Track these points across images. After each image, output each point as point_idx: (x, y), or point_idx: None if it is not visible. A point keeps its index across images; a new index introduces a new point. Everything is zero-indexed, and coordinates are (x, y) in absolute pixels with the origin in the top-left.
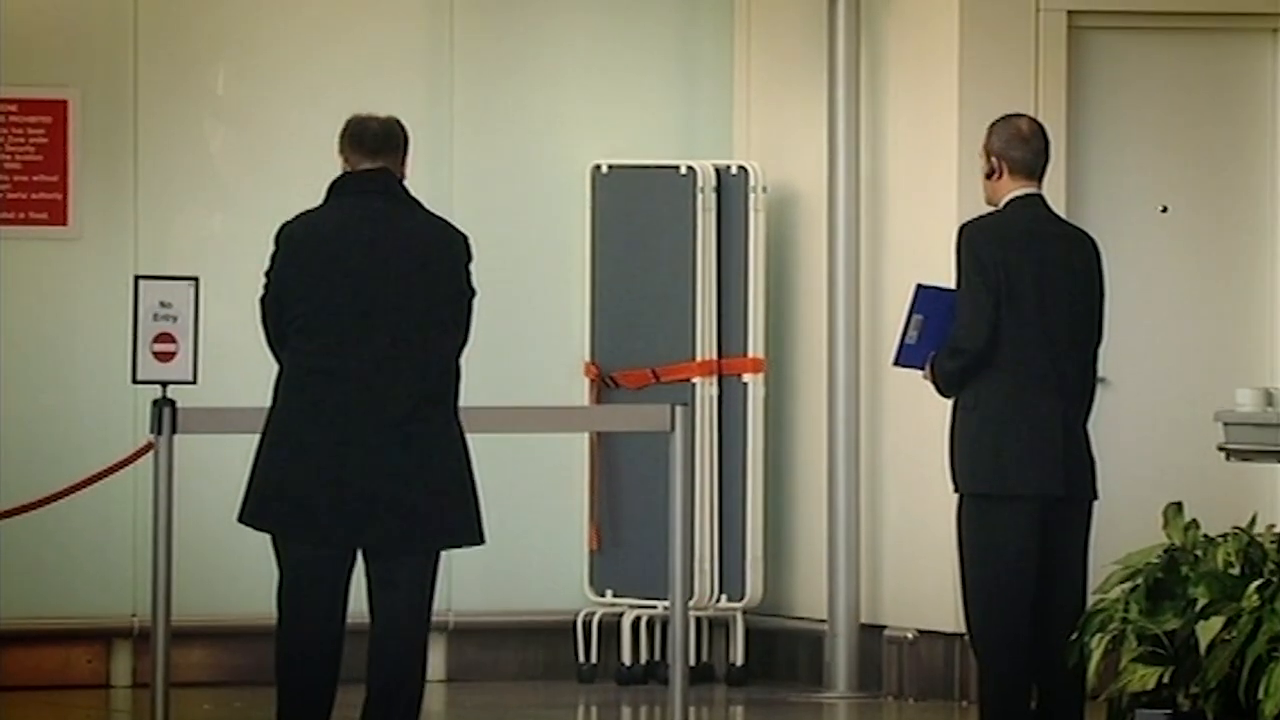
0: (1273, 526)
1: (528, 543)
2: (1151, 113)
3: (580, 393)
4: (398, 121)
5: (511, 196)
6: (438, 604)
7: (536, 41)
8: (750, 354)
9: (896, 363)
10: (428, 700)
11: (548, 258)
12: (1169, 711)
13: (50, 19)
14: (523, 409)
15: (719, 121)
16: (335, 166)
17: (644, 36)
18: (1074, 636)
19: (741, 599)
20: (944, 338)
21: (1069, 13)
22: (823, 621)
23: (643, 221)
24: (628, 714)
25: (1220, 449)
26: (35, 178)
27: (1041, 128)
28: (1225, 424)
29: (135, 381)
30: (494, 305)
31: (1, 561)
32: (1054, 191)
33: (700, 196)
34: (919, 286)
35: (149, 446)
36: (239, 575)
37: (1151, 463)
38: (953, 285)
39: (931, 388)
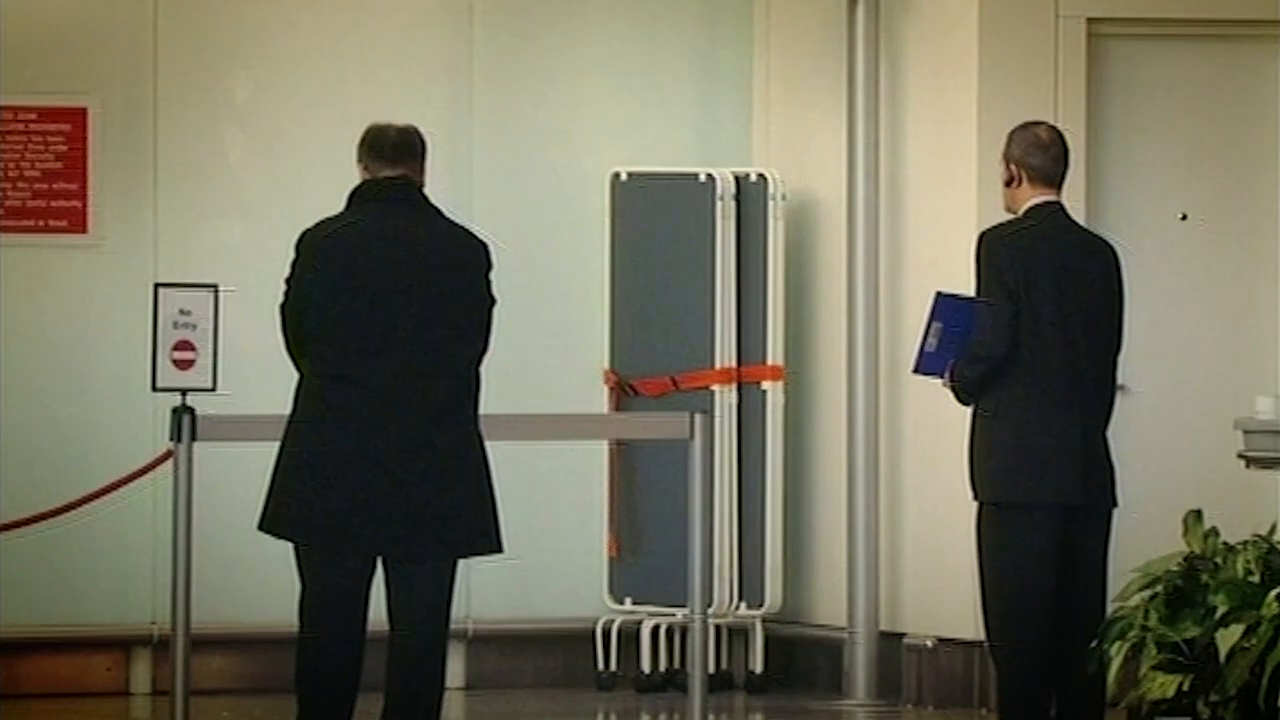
0: None
1: (547, 550)
2: (1171, 120)
3: (599, 400)
4: (416, 129)
5: (531, 204)
6: (457, 612)
7: (556, 49)
8: (769, 361)
9: (916, 370)
10: (446, 708)
11: (567, 265)
12: (1189, 719)
13: (70, 27)
14: (542, 417)
15: (738, 129)
16: (355, 174)
17: (664, 43)
18: (1094, 644)
19: (761, 606)
20: (963, 345)
21: (1089, 20)
22: (842, 629)
23: (662, 229)
24: None
25: (1240, 456)
26: (55, 185)
27: (1061, 135)
28: (1245, 431)
29: (155, 389)
30: (514, 313)
31: (21, 569)
32: (1073, 199)
33: (720, 204)
34: (938, 294)
35: (168, 454)
36: (259, 583)
37: (1171, 470)
38: (972, 293)
39: (951, 395)
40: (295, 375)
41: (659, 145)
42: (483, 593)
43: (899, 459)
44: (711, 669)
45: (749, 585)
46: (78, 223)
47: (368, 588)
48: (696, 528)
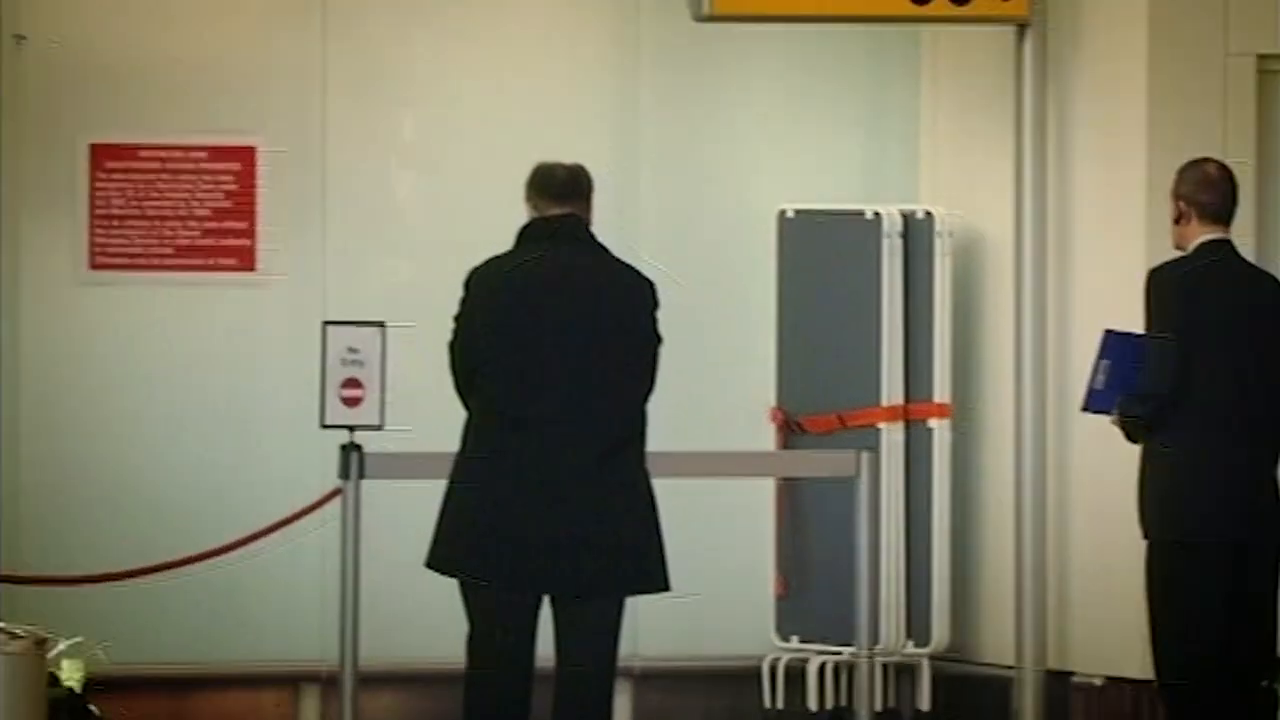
0: None
1: (714, 588)
2: None
3: (766, 438)
4: (583, 168)
5: (699, 242)
6: (623, 649)
7: (724, 87)
8: (936, 399)
9: (1085, 408)
10: None
11: (734, 303)
12: None
13: (239, 65)
14: (709, 454)
15: (905, 166)
16: (522, 213)
17: (831, 81)
18: (1264, 684)
19: (928, 644)
20: (1132, 383)
21: (1259, 56)
22: (1009, 667)
23: (829, 266)
24: None
25: None
26: (224, 224)
27: (1230, 172)
28: None
29: (323, 426)
30: (680, 350)
31: (191, 605)
32: (1243, 236)
33: (886, 241)
34: (1107, 332)
35: (336, 492)
36: (427, 620)
37: None
38: (1141, 331)
39: (1120, 433)
40: (463, 412)
41: (826, 183)
42: (650, 630)
43: (1067, 496)
44: (878, 707)
45: (916, 623)
46: (247, 260)
47: (534, 625)
48: (863, 565)
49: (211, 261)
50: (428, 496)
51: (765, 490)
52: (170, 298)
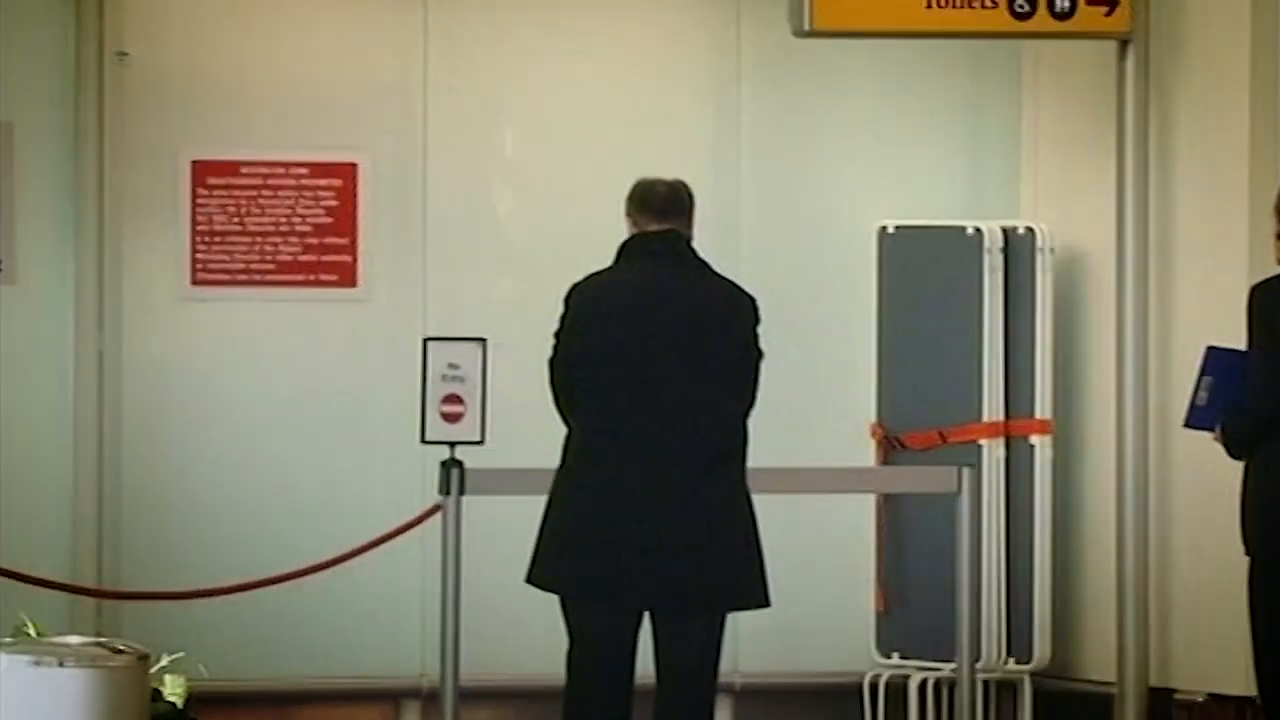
0: None
1: (814, 604)
2: None
3: (866, 454)
4: (684, 184)
5: (799, 258)
6: (724, 665)
7: (824, 103)
8: (1037, 415)
9: (1187, 424)
10: None
11: (835, 319)
12: None
13: (340, 82)
14: (810, 470)
15: (1006, 181)
16: (623, 229)
17: (931, 96)
18: None
19: (1029, 661)
20: (1235, 399)
21: None
22: (1111, 684)
23: (930, 282)
24: None
25: None
26: (326, 240)
27: None
28: None
29: (424, 442)
30: (781, 366)
31: (292, 620)
32: None
33: (987, 258)
34: (1209, 348)
35: (437, 508)
36: (526, 635)
37: None
38: (1243, 346)
39: (1222, 449)
40: (563, 429)
41: (926, 199)
42: (750, 646)
43: (1169, 513)
44: None
45: (1017, 639)
46: (348, 277)
47: (635, 641)
48: (964, 582)
49: (313, 278)
50: (528, 512)
51: (866, 506)
52: (272, 314)
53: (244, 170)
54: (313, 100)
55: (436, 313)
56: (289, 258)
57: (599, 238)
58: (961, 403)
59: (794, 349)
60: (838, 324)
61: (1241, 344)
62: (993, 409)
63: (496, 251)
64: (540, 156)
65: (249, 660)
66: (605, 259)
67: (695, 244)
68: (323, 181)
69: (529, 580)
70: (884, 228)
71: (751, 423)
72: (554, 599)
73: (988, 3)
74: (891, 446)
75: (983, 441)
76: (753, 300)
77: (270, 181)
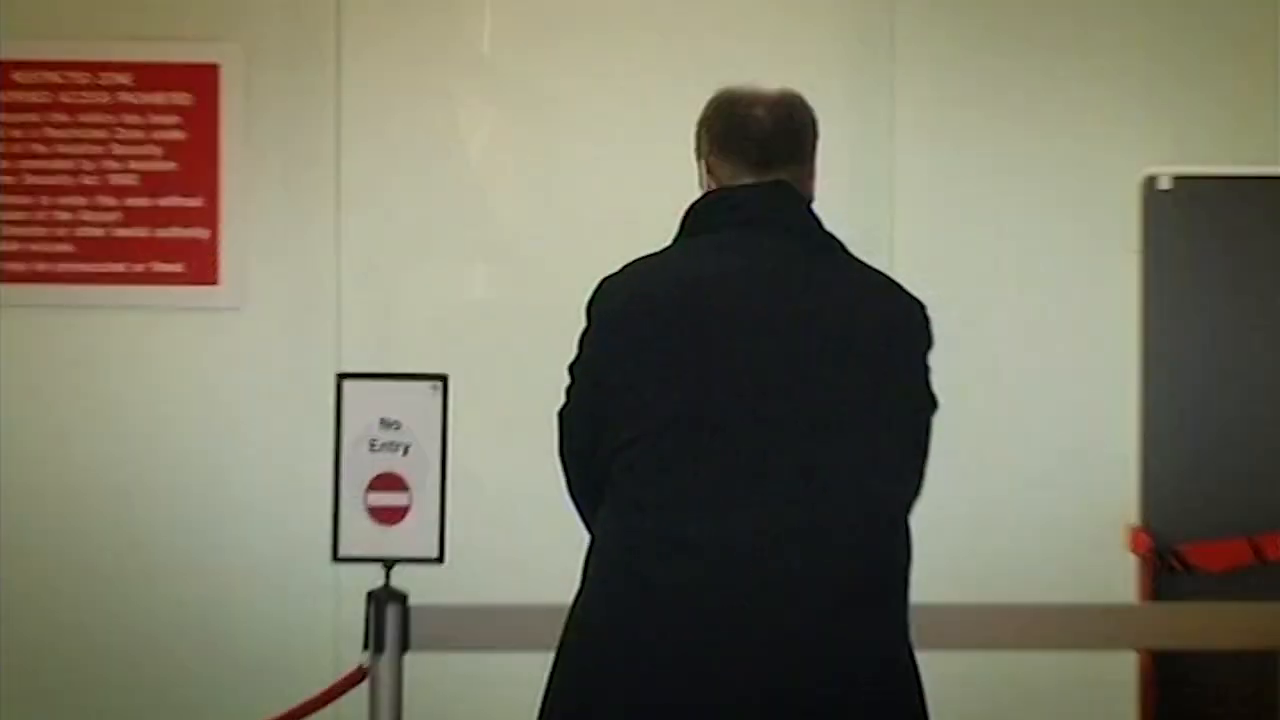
0: None
1: None
2: None
3: (1121, 575)
4: (799, 100)
5: (985, 237)
6: None
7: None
8: None
9: None
10: None
11: (1056, 335)
12: None
13: None
14: (1019, 608)
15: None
16: (680, 186)
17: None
18: None
19: None
20: None
21: None
22: None
23: (1241, 269)
24: None
25: None
26: (163, 203)
27: None
28: None
29: (337, 559)
30: (964, 420)
31: None
32: None
33: None
34: None
35: (361, 672)
36: None
37: None
38: None
39: None
40: (582, 532)
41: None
42: None
43: None
44: None
45: None
46: (203, 268)
47: None
48: None
49: (140, 269)
50: (514, 674)
51: (1121, 663)
52: (67, 331)
53: (17, 78)
54: None
55: (358, 329)
56: (98, 233)
57: (641, 191)
58: None
59: (986, 389)
60: (1062, 349)
61: None
62: None
63: (461, 220)
64: (534, 61)
65: None
66: (651, 238)
67: (817, 205)
68: (158, 97)
69: None
70: (1151, 180)
71: (916, 518)
72: None
73: None
74: (1164, 565)
75: None
76: (922, 309)
77: (65, 98)
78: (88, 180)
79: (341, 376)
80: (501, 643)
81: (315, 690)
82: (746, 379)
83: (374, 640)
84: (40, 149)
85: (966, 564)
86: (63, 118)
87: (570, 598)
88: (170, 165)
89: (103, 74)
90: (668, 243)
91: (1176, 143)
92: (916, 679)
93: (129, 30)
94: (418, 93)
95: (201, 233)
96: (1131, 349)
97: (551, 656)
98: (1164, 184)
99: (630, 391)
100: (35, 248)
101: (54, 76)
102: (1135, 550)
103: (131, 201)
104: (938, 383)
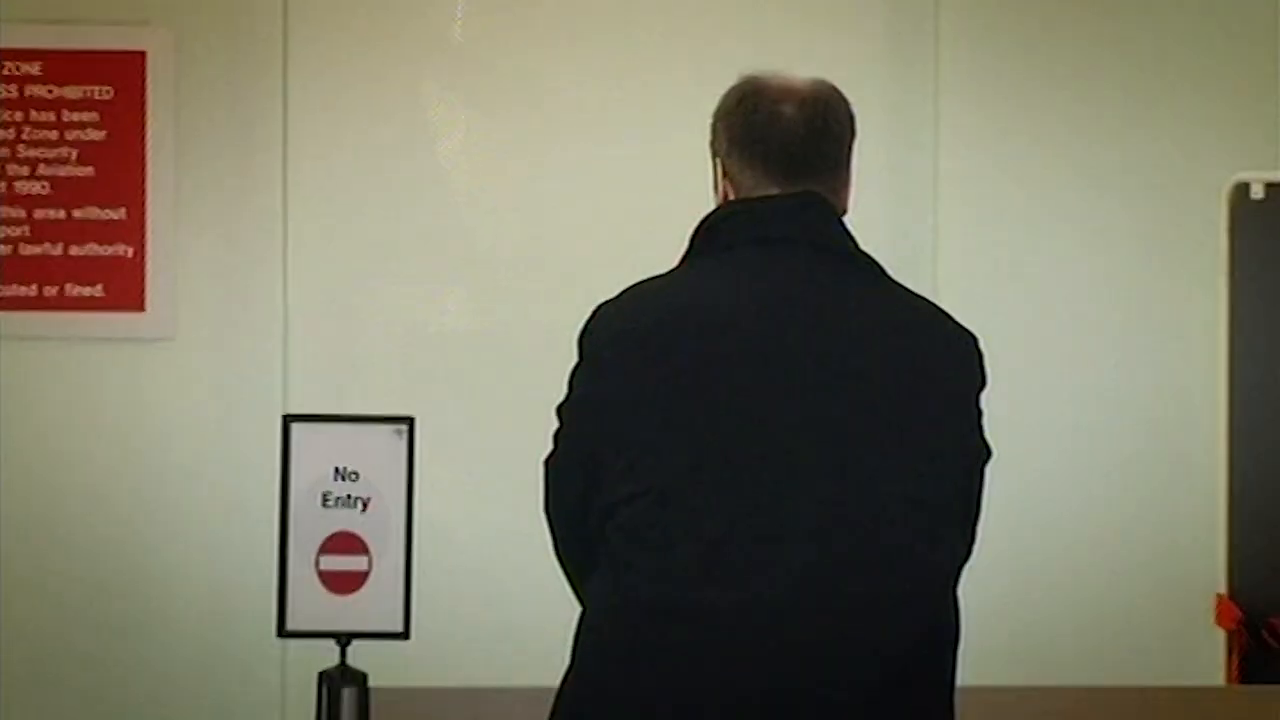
0: None
1: None
2: None
3: (1205, 649)
4: (834, 94)
5: (1039, 259)
6: None
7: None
8: None
9: None
10: None
11: (1125, 373)
12: None
13: None
14: (1084, 692)
15: None
16: (693, 197)
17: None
18: None
19: None
20: None
21: None
22: None
23: None
24: None
25: None
26: (79, 213)
27: None
28: None
29: (283, 634)
30: (1019, 470)
31: None
32: None
33: None
34: None
35: None
36: None
37: None
38: None
39: None
40: (572, 601)
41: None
42: None
43: None
44: None
45: None
46: (127, 290)
47: None
48: None
49: (53, 294)
50: None
51: None
52: None
53: None
54: None
55: (308, 363)
56: (2, 250)
57: (642, 202)
58: None
59: (1043, 433)
60: (1134, 384)
61: None
62: None
63: (429, 236)
64: (515, 51)
65: None
66: (654, 257)
67: (851, 219)
68: (73, 90)
69: None
70: (1243, 187)
71: (964, 586)
72: None
73: None
74: (1256, 640)
75: None
76: (972, 341)
77: None
78: None
79: (289, 418)
80: None
81: None
82: (764, 426)
83: None
84: None
85: (1024, 640)
86: None
87: (558, 679)
88: (87, 170)
89: (7, 63)
90: (674, 263)
91: (1269, 146)
92: None
93: (38, 11)
94: (378, 87)
95: (124, 250)
96: (1217, 385)
97: None
98: (1257, 192)
99: (628, 439)
100: None
101: None
102: (1222, 624)
103: (41, 213)
104: (990, 428)
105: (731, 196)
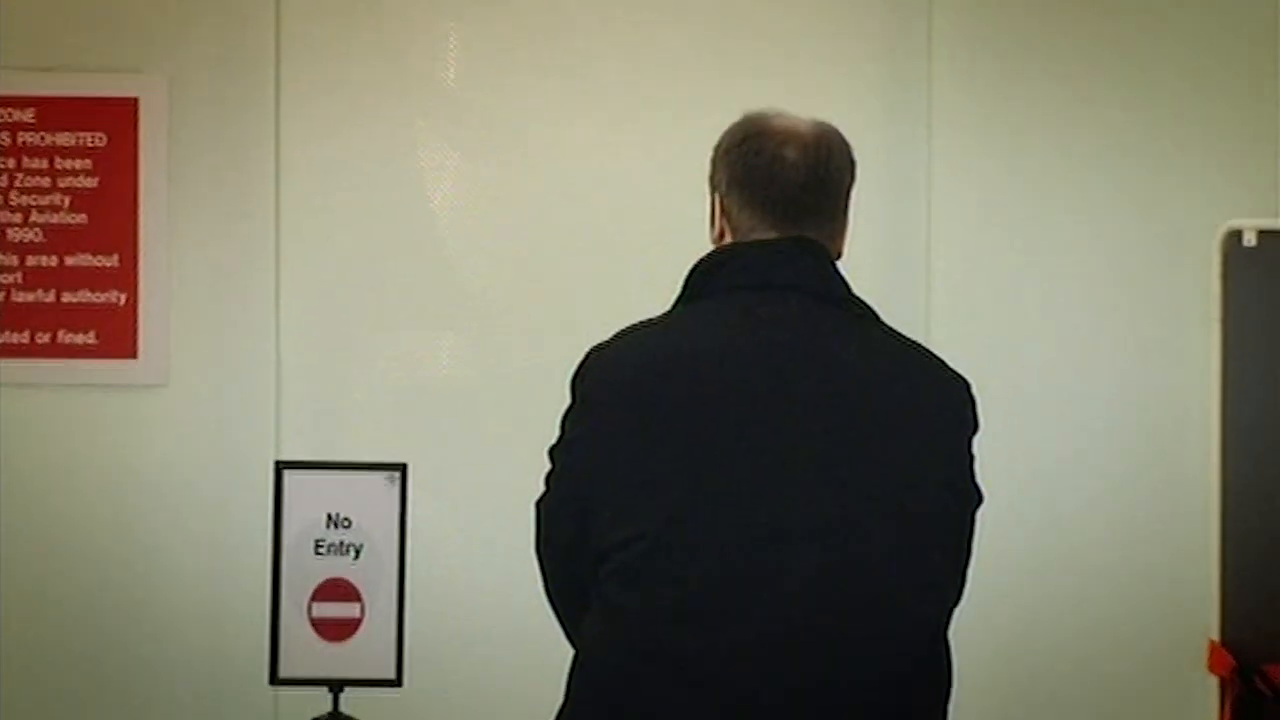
0: None
1: None
2: None
3: (1197, 696)
4: (835, 137)
5: (1030, 298)
6: None
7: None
8: None
9: None
10: None
11: (1117, 418)
12: None
13: None
14: None
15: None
16: (689, 239)
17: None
18: None
19: None
20: None
21: None
22: None
23: None
24: None
25: None
26: (71, 260)
27: None
28: None
29: (275, 682)
30: (1010, 512)
31: None
32: None
33: None
34: None
35: None
36: None
37: None
38: None
39: None
40: (566, 647)
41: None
42: None
43: None
44: None
45: None
46: (119, 337)
47: None
48: None
49: (44, 341)
50: None
51: None
52: None
53: None
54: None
55: (300, 410)
56: None
57: (635, 247)
58: None
59: (1033, 478)
60: (1126, 428)
61: None
62: None
63: (422, 283)
64: (508, 96)
65: None
66: (648, 301)
67: (845, 264)
68: (66, 138)
69: None
70: (1235, 235)
71: (954, 631)
72: None
73: None
74: (1249, 689)
75: None
76: (964, 388)
77: None
78: None
79: (281, 465)
80: None
81: None
82: (757, 470)
83: None
84: None
85: (1015, 687)
86: None
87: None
88: (80, 218)
89: (0, 110)
90: (667, 306)
91: (1262, 194)
92: None
93: (30, 58)
94: (371, 134)
95: (117, 297)
96: (1210, 432)
97: None
98: (1250, 240)
99: (620, 483)
100: None
101: None
102: (1215, 670)
103: (34, 260)
104: (981, 470)
105: (728, 234)
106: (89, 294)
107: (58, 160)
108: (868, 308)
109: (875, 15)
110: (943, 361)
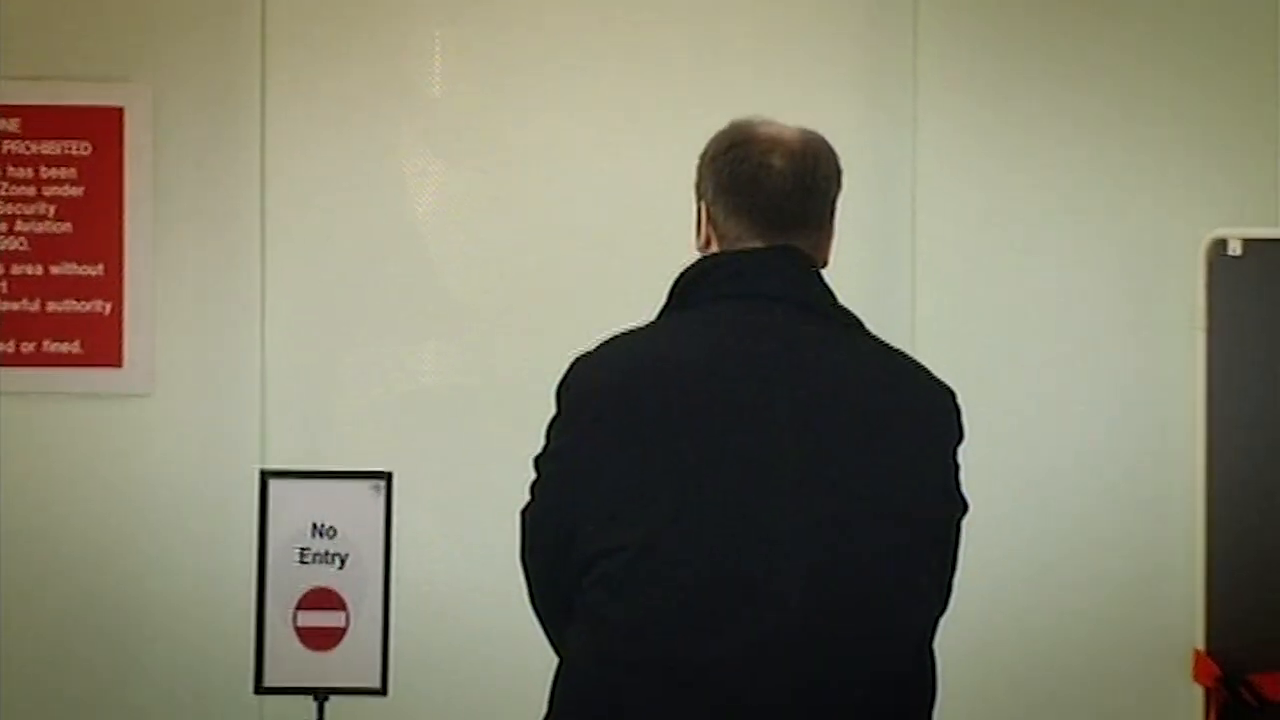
0: None
1: None
2: None
3: (1182, 705)
4: (821, 146)
5: (1014, 309)
6: None
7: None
8: None
9: None
10: None
11: (1101, 426)
12: None
13: None
14: None
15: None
16: (673, 249)
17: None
18: None
19: None
20: None
21: None
22: None
23: None
24: None
25: None
26: (56, 269)
27: None
28: None
29: (260, 690)
30: (993, 521)
31: None
32: None
33: None
34: None
35: None
36: None
37: None
38: None
39: None
40: (552, 656)
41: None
42: None
43: None
44: None
45: None
46: (104, 345)
47: None
48: None
49: (29, 350)
50: None
51: None
52: None
53: None
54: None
55: (285, 418)
56: None
57: (620, 256)
58: None
59: (1019, 488)
60: (1111, 437)
61: None
62: None
63: (406, 292)
64: (493, 106)
65: None
66: (633, 310)
67: (830, 273)
68: (50, 146)
69: None
70: (1221, 244)
71: (949, 643)
72: None
73: None
74: (1234, 698)
75: None
76: (949, 397)
77: None
78: None
79: (266, 474)
80: None
81: None
82: (742, 479)
83: None
84: None
85: (999, 697)
86: None
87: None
88: (65, 227)
89: None
90: (652, 315)
91: (1245, 202)
92: None
93: (15, 67)
94: (355, 142)
95: (102, 306)
96: (1195, 440)
97: None
98: (1234, 249)
99: (605, 493)
100: None
101: None
102: (1200, 680)
103: (19, 269)
104: (965, 479)
105: (714, 241)
106: (74, 303)
107: (43, 169)
108: (854, 318)
109: (861, 12)
110: (929, 371)
